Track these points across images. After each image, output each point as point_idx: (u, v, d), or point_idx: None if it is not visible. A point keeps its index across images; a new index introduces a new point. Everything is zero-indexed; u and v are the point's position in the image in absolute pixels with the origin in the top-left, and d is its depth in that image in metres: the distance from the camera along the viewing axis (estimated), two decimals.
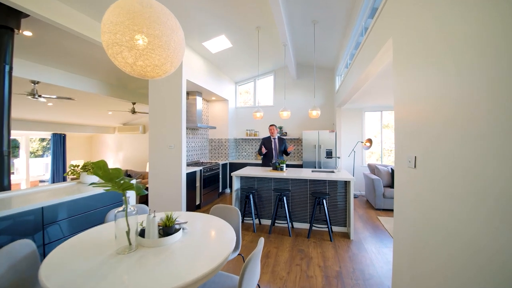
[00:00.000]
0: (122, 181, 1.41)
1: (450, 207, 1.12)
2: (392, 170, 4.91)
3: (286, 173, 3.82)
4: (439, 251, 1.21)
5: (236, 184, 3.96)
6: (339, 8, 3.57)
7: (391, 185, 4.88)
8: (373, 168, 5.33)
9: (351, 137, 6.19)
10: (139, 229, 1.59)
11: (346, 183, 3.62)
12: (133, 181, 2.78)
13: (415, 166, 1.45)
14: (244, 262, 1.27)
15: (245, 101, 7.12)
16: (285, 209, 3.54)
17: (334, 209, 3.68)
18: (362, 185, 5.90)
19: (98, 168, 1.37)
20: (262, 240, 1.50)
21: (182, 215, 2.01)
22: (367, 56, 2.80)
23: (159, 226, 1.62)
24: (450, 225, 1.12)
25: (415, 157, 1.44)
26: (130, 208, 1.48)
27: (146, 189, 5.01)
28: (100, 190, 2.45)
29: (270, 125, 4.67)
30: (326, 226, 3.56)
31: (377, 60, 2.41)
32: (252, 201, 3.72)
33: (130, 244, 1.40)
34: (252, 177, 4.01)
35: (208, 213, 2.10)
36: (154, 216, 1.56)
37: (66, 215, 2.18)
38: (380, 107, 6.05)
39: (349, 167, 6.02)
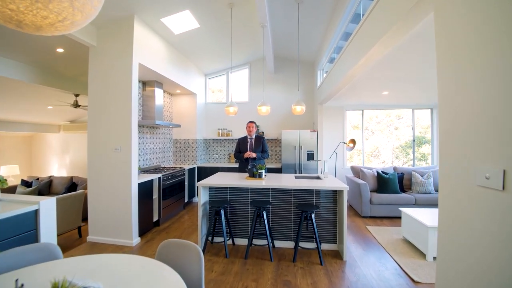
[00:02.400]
0: None
1: None
2: (378, 173, 4.51)
3: (265, 181, 3.14)
4: None
5: (204, 196, 3.17)
6: None
7: (377, 190, 4.48)
8: (357, 171, 4.91)
9: (332, 137, 5.74)
10: None
11: (337, 192, 3.06)
12: None
13: (503, 188, 0.84)
14: None
15: (217, 99, 6.29)
16: (265, 226, 2.85)
17: (322, 222, 3.09)
18: None
19: None
20: None
21: (104, 266, 1.19)
22: (372, 33, 2.23)
23: None
24: None
25: (504, 171, 0.84)
26: None
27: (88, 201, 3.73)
28: None
29: (249, 122, 3.94)
30: (314, 245, 2.97)
31: (396, 30, 1.82)
32: (223, 218, 2.96)
33: None
34: (224, 187, 3.25)
35: (158, 248, 1.32)
36: None
37: None
38: (362, 106, 5.69)
39: (330, 170, 5.55)
